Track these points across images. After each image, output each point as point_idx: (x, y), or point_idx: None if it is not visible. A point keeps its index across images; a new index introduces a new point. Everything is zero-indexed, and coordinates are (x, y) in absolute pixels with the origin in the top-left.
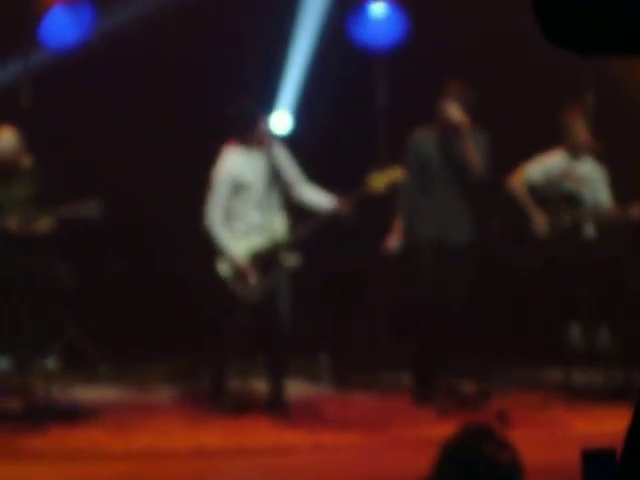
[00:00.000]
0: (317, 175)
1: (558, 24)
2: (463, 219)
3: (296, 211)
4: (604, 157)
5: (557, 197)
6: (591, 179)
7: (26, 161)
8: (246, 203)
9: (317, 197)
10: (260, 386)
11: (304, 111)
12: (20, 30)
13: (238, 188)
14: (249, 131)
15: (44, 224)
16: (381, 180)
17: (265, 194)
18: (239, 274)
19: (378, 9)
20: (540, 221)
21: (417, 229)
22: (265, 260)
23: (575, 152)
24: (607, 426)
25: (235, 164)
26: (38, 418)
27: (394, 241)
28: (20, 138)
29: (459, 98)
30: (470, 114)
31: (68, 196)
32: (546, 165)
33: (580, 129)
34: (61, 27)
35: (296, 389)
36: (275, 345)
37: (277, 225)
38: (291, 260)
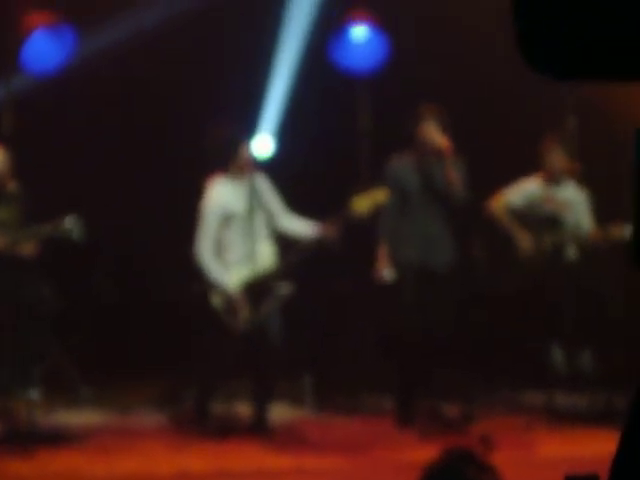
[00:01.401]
0: (299, 198)
1: (539, 50)
2: (444, 243)
3: (284, 238)
4: (585, 180)
5: (538, 220)
6: (572, 203)
7: (12, 185)
8: (234, 233)
9: (299, 226)
10: (244, 409)
11: (286, 134)
12: (1, 54)
13: (226, 219)
14: (231, 158)
15: (29, 247)
16: (365, 202)
17: (251, 223)
18: (232, 305)
19: (359, 32)
20: (525, 241)
21: (398, 254)
22: (257, 289)
23: (553, 178)
24: (590, 449)
25: (222, 195)
26: (21, 442)
27: (384, 269)
28: (9, 159)
29: (438, 121)
30: (448, 138)
31: (51, 219)
32: (525, 190)
33: (557, 155)
34: (43, 51)
35: (279, 412)
36: (263, 370)
37: (266, 253)
38: (283, 288)
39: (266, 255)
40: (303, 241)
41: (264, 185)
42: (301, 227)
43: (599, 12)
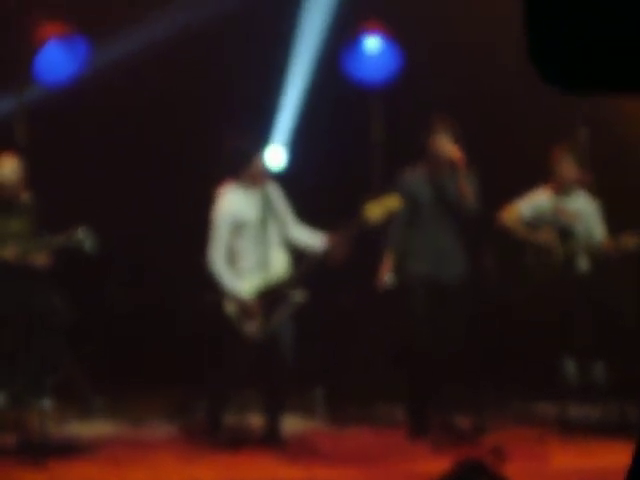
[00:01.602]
0: (311, 210)
1: (552, 63)
2: (455, 256)
3: (296, 248)
4: (596, 190)
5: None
6: (583, 213)
7: (25, 196)
8: (247, 241)
9: (308, 237)
10: (256, 420)
11: (299, 146)
12: (14, 65)
13: (238, 227)
14: (244, 168)
15: (41, 258)
16: (377, 209)
17: (264, 231)
18: (246, 313)
19: (372, 44)
20: (550, 240)
21: (409, 267)
22: (270, 297)
23: (564, 189)
24: (603, 461)
25: (233, 203)
26: (33, 454)
27: (386, 277)
28: (22, 169)
29: (450, 133)
30: (461, 150)
31: (64, 229)
32: (535, 202)
33: (568, 165)
34: (56, 62)
35: (291, 423)
36: (275, 381)
37: (280, 261)
38: (297, 296)
39: (279, 263)
40: (312, 253)
41: (276, 194)
42: (310, 238)
43: (611, 26)
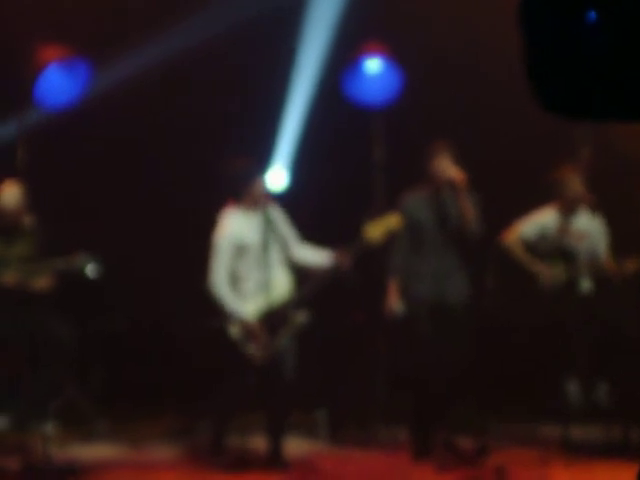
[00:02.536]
0: (313, 232)
1: (551, 92)
2: (458, 278)
3: (300, 267)
4: (600, 210)
5: (551, 253)
6: (588, 233)
7: (28, 220)
8: (249, 264)
9: (312, 256)
10: (259, 442)
11: (300, 167)
12: (15, 89)
13: (240, 250)
14: (245, 191)
15: (43, 282)
16: (378, 229)
17: (266, 253)
18: (249, 335)
19: (373, 65)
20: (544, 272)
21: (411, 290)
22: (274, 319)
23: (570, 207)
24: None
25: (235, 226)
26: (37, 477)
27: (396, 304)
28: (23, 194)
29: (451, 155)
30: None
31: (65, 253)
32: (540, 222)
33: (574, 185)
34: (57, 85)
35: (293, 445)
36: (278, 403)
37: (282, 282)
38: (300, 317)
39: (282, 284)
40: (318, 271)
41: (277, 215)
42: (314, 257)
43: (609, 56)
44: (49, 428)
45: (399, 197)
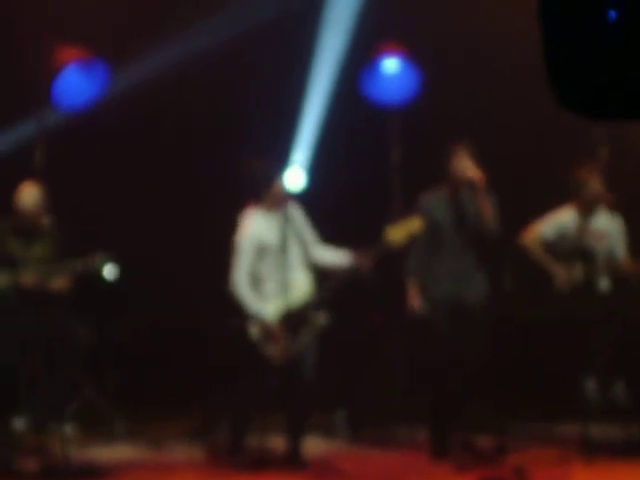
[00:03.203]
0: (330, 232)
1: (571, 91)
2: (476, 278)
3: (320, 268)
4: (619, 209)
5: (570, 253)
6: (607, 233)
7: (46, 220)
8: (269, 265)
9: (332, 256)
10: (278, 442)
11: (318, 167)
12: (34, 90)
13: (261, 251)
14: (265, 192)
15: (60, 283)
16: (399, 232)
17: (286, 253)
18: (269, 336)
19: (391, 65)
20: (561, 274)
21: (430, 289)
22: (294, 320)
23: (590, 207)
24: None
25: (256, 227)
26: (55, 478)
27: (417, 302)
28: (42, 195)
29: (469, 155)
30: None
31: (83, 254)
32: (559, 222)
33: (594, 184)
34: (75, 86)
35: (312, 445)
36: (297, 403)
37: (302, 283)
38: (320, 319)
39: (302, 285)
40: (338, 271)
41: (297, 215)
42: (334, 257)
43: (628, 55)
44: (68, 429)
45: (417, 197)
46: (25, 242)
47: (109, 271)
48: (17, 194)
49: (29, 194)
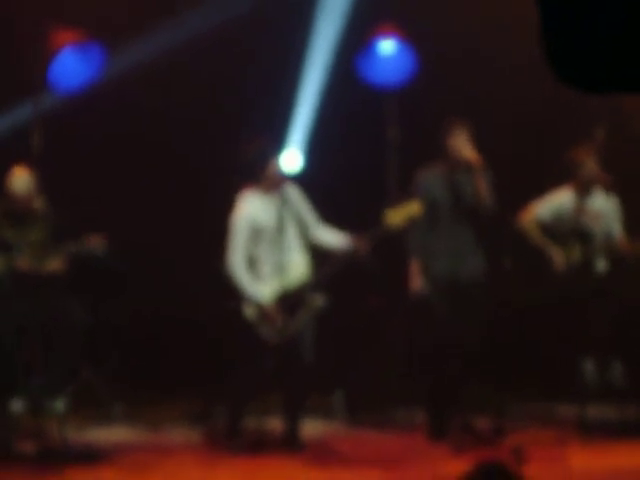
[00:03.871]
0: (327, 213)
1: (567, 64)
2: (474, 256)
3: (318, 249)
4: (615, 190)
5: (567, 234)
6: (603, 213)
7: (39, 203)
8: (266, 246)
9: (332, 237)
10: (275, 424)
11: (314, 149)
12: (29, 73)
13: (257, 232)
14: (261, 173)
15: (55, 264)
16: (398, 215)
17: (282, 235)
18: (266, 317)
19: (387, 47)
20: (557, 256)
21: (429, 267)
22: (290, 301)
23: (586, 188)
24: (622, 462)
25: (252, 209)
26: (52, 460)
27: (419, 283)
28: (34, 179)
29: (466, 134)
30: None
31: (78, 237)
32: (556, 203)
33: (590, 165)
34: (71, 69)
35: (311, 427)
36: (294, 385)
37: (299, 265)
38: (317, 300)
39: (299, 266)
40: (336, 253)
41: (295, 196)
42: (334, 238)
43: (626, 25)
44: (60, 406)
45: (414, 174)
46: (19, 226)
47: (103, 252)
48: (8, 179)
49: (20, 179)
